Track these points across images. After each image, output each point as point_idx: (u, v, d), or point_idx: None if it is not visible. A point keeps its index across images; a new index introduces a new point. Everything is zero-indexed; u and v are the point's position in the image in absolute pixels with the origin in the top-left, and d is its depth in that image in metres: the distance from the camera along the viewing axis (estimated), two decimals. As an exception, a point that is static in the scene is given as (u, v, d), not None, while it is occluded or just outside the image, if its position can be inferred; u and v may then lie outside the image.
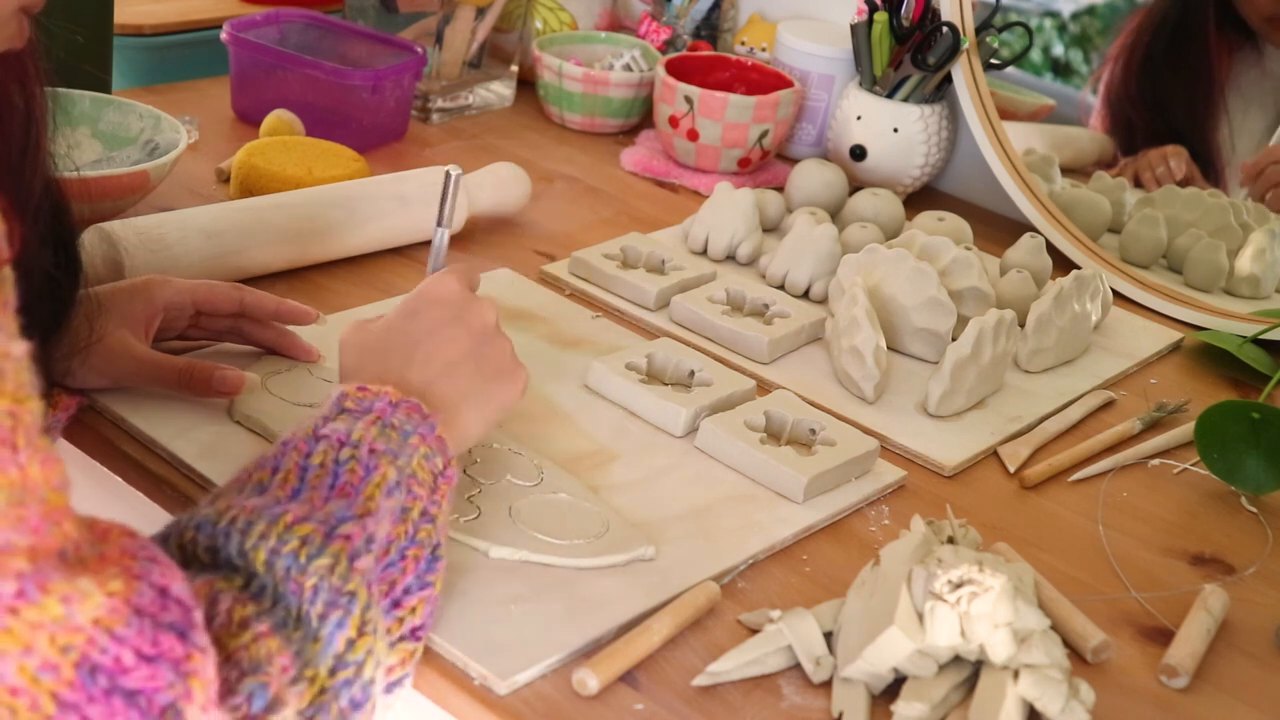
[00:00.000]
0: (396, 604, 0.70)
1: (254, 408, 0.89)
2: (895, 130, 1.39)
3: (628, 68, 1.52)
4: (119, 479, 0.85)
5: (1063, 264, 1.32)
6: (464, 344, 0.80)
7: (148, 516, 0.84)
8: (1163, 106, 1.43)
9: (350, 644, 0.63)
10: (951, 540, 0.84)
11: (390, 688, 0.69)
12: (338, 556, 0.64)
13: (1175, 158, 1.40)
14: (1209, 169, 1.40)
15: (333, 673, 0.63)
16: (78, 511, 0.55)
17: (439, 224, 0.89)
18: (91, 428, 0.88)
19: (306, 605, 0.62)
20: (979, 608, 0.72)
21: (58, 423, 0.86)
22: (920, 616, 0.73)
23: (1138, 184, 1.42)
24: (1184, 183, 1.39)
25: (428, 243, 1.18)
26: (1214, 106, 1.39)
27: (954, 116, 1.43)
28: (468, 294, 0.82)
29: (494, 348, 0.82)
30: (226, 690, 0.58)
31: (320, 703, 0.62)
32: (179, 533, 0.64)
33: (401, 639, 0.70)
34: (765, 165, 1.45)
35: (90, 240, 0.97)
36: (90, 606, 0.53)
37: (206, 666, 0.56)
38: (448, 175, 0.88)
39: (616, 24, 1.66)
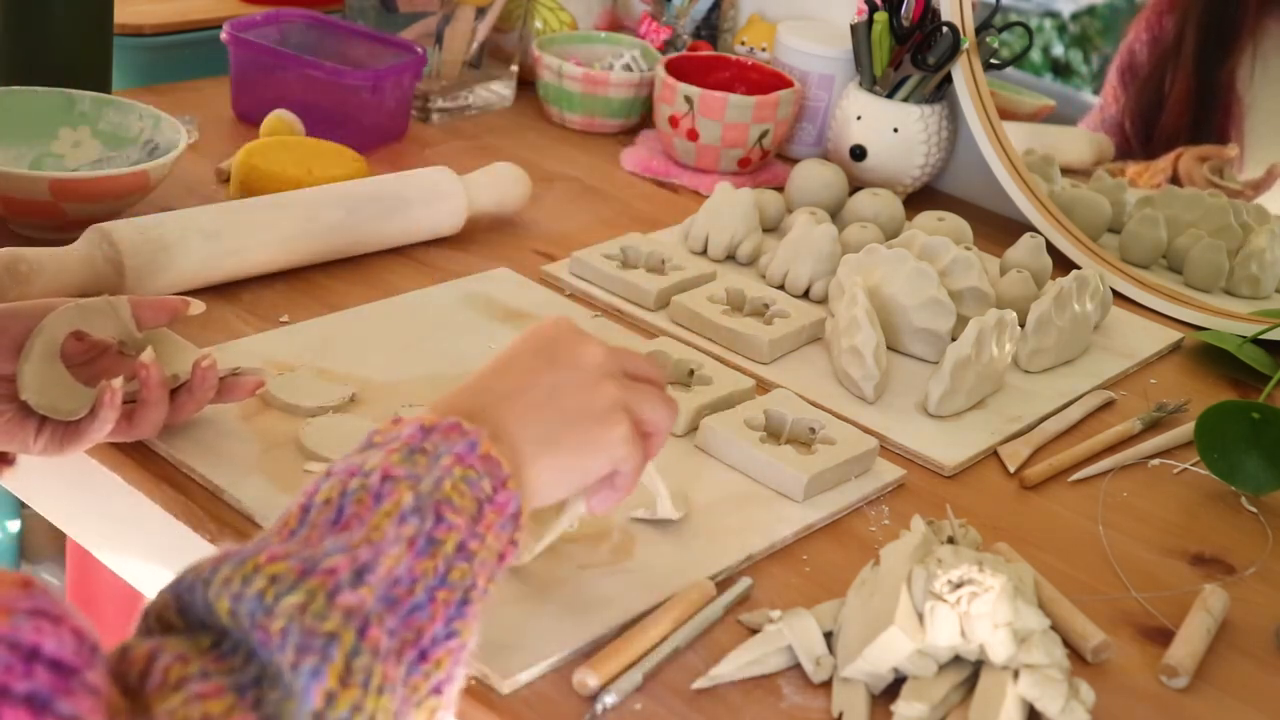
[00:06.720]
0: (423, 656, 0.57)
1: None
2: (895, 130, 1.39)
3: (628, 68, 1.52)
4: (119, 479, 0.85)
5: (1063, 264, 1.32)
6: (543, 376, 0.68)
7: (147, 516, 0.84)
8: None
9: (331, 698, 0.51)
10: (951, 540, 0.84)
11: None
12: (313, 593, 0.52)
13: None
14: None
15: None
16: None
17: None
18: (91, 427, 0.87)
19: (276, 654, 0.51)
20: (979, 608, 0.72)
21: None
22: (920, 616, 0.73)
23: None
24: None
25: (428, 243, 1.18)
26: None
27: (954, 116, 1.43)
28: (577, 332, 0.71)
29: (589, 389, 0.68)
30: None
31: None
32: (158, 601, 0.55)
33: (428, 695, 0.58)
34: (765, 165, 1.45)
35: (90, 240, 0.97)
36: None
37: None
38: None
39: (616, 24, 1.66)
